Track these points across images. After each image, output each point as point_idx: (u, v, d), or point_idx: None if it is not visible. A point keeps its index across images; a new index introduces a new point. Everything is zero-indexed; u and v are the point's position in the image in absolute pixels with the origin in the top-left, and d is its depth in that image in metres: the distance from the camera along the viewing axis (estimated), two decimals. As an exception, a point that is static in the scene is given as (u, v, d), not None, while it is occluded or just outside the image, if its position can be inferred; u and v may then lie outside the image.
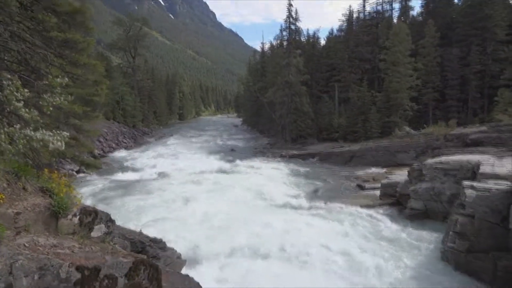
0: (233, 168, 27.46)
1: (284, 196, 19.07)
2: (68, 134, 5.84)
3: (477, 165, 13.79)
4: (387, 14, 46.34)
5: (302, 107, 39.57)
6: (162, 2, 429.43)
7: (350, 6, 49.55)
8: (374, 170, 25.18)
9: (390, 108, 35.18)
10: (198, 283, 6.75)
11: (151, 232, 11.57)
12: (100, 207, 8.95)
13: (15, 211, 4.30)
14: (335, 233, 13.58)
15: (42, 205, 4.79)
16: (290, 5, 42.67)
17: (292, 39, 44.30)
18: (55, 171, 6.06)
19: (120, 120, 52.89)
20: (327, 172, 25.74)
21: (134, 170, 27.17)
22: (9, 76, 5.39)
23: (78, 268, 3.50)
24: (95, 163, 15.78)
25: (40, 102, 5.97)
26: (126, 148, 41.58)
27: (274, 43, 54.68)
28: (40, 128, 5.63)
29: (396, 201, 16.74)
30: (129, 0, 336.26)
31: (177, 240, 12.02)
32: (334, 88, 41.00)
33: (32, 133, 5.34)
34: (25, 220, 4.31)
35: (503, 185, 10.83)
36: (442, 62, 36.17)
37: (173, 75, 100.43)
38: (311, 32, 52.70)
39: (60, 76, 6.53)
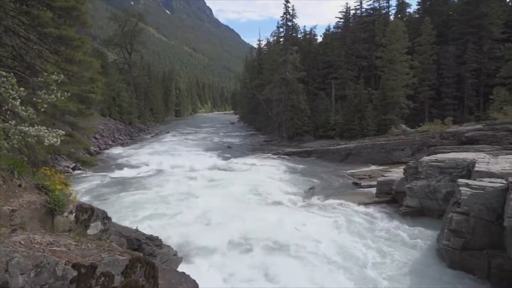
0: (229, 165, 27.44)
1: (280, 193, 19.11)
2: (64, 132, 5.81)
3: (473, 163, 13.88)
4: (383, 11, 46.39)
5: (298, 104, 39.61)
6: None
7: (347, 3, 49.64)
8: (370, 167, 25.27)
9: (386, 105, 35.31)
10: (194, 281, 6.76)
11: (146, 229, 11.60)
12: (96, 204, 8.92)
13: (10, 208, 4.26)
14: (330, 229, 13.63)
15: (38, 202, 4.76)
16: (287, 1, 42.60)
17: (289, 36, 44.28)
18: (51, 168, 6.03)
19: (116, 117, 52.68)
20: (323, 169, 25.80)
21: (130, 167, 27.09)
22: (4, 73, 5.32)
23: (74, 266, 3.49)
24: (91, 160, 15.73)
25: (35, 99, 5.92)
26: (122, 145, 41.44)
27: (271, 39, 54.62)
28: (35, 124, 5.58)
29: (392, 199, 16.82)
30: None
31: (173, 237, 12.05)
32: (331, 85, 41.03)
33: (27, 128, 5.30)
34: (21, 218, 4.28)
35: (497, 183, 10.91)
36: (438, 60, 36.30)
37: (169, 72, 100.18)
38: (307, 29, 52.32)
39: (55, 73, 6.47)
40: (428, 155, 18.32)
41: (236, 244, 12.16)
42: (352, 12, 47.54)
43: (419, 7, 45.02)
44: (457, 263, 10.16)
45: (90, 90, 13.45)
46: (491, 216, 10.19)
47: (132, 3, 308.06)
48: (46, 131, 5.52)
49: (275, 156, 31.74)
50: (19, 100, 5.42)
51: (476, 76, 34.98)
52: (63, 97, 6.10)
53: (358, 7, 47.23)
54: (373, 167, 25.21)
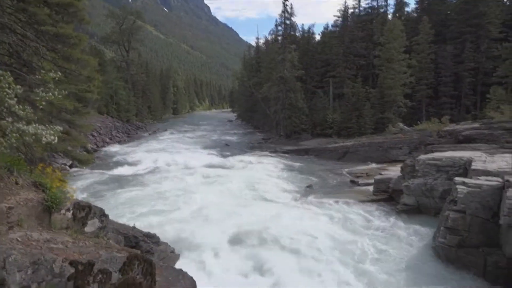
0: (227, 162, 27.46)
1: (278, 191, 19.15)
2: (61, 128, 5.81)
3: (469, 161, 13.94)
4: (382, 10, 46.43)
5: (296, 102, 39.61)
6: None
7: (345, 2, 49.63)
8: (367, 166, 25.33)
9: (384, 104, 35.39)
10: (191, 278, 6.78)
11: (144, 225, 11.61)
12: (94, 201, 8.92)
13: (7, 205, 4.27)
14: (327, 226, 13.70)
15: (35, 199, 4.76)
16: (286, 0, 42.54)
17: (287, 34, 44.22)
18: (48, 166, 6.02)
19: (114, 114, 52.55)
20: (320, 167, 25.84)
21: (127, 164, 27.05)
22: (0, 72, 5.30)
23: (72, 263, 3.50)
24: (88, 158, 15.72)
25: (32, 97, 5.91)
26: (120, 142, 41.36)
27: (269, 38, 54.57)
28: (33, 122, 5.58)
29: (389, 197, 16.87)
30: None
31: (170, 233, 12.06)
32: (329, 84, 41.06)
33: (25, 127, 5.29)
34: (18, 215, 4.29)
35: (494, 181, 10.98)
36: (436, 59, 36.39)
37: (167, 69, 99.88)
38: (306, 27, 52.31)
39: (53, 71, 6.45)
40: (425, 153, 18.38)
41: (233, 239, 12.26)
42: (350, 10, 47.65)
43: (417, 6, 45.14)
44: (453, 260, 10.22)
45: (86, 89, 13.43)
46: (487, 214, 10.25)
47: (130, 0, 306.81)
48: (44, 129, 5.52)
49: (273, 154, 31.76)
50: (16, 99, 5.41)
51: (473, 75, 35.10)
52: (60, 95, 6.09)
53: (357, 6, 47.32)
54: (371, 165, 25.28)
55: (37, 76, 6.80)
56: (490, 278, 9.40)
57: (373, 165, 25.26)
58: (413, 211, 14.89)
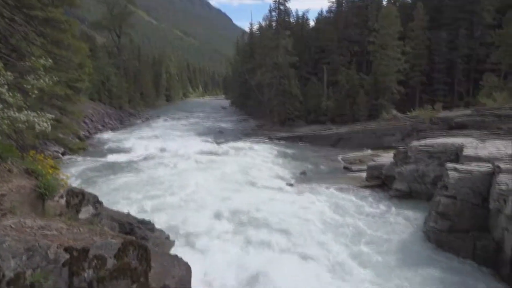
0: (220, 149, 27.44)
1: (271, 177, 19.25)
2: (52, 116, 5.74)
3: (461, 147, 14.11)
4: (377, -4, 45.91)
5: (290, 89, 39.45)
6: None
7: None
8: (361, 152, 25.49)
9: (378, 91, 35.39)
10: (187, 263, 6.82)
11: (138, 211, 11.65)
12: (87, 188, 8.89)
13: (0, 193, 4.24)
14: (320, 210, 13.90)
15: (28, 187, 4.73)
16: (280, -15, 41.94)
17: (281, 20, 43.75)
18: (40, 153, 5.97)
19: (106, 101, 51.86)
20: (314, 154, 25.97)
21: (120, 151, 26.91)
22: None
23: (66, 249, 3.51)
24: (80, 146, 15.62)
25: (24, 85, 5.82)
26: (112, 129, 41.04)
27: (263, 24, 53.90)
28: (24, 109, 5.51)
29: (381, 183, 17.07)
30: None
31: (165, 220, 12.16)
32: (323, 70, 40.88)
33: (16, 114, 5.23)
34: (11, 202, 4.27)
35: (484, 167, 11.14)
36: (430, 45, 36.32)
37: (159, 56, 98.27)
38: (300, 13, 51.75)
39: (43, 57, 6.34)
40: (418, 140, 18.53)
41: (227, 224, 12.47)
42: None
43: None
44: (444, 244, 10.44)
45: (77, 78, 13.25)
46: (477, 199, 10.44)
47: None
48: (36, 115, 5.46)
49: (267, 141, 31.81)
50: (6, 86, 5.32)
51: (467, 62, 35.17)
52: (51, 82, 6.00)
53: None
54: (364, 152, 25.44)
55: (27, 63, 6.68)
56: (479, 261, 9.65)
57: (367, 152, 25.42)
58: (405, 197, 15.12)
